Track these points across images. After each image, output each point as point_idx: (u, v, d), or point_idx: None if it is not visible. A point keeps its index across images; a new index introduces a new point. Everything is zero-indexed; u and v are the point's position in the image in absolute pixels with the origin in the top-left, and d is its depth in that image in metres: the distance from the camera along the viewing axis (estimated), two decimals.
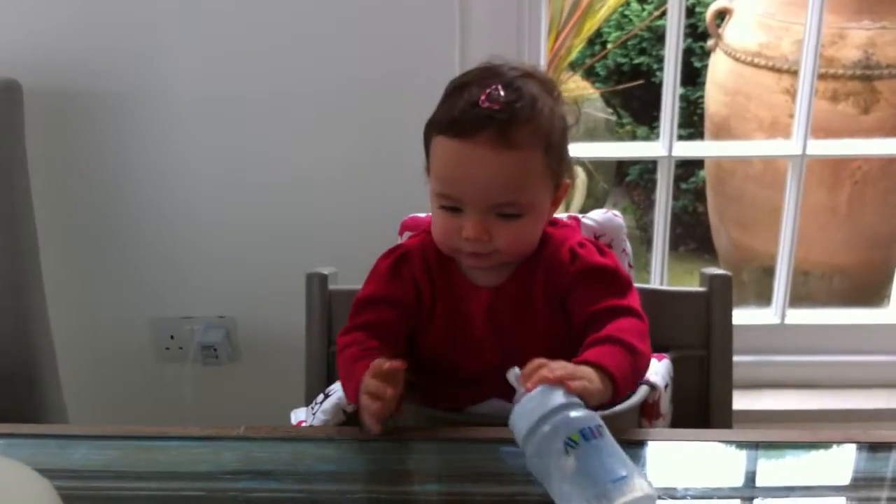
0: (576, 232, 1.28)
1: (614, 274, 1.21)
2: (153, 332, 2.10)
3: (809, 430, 1.10)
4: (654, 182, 2.02)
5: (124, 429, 1.15)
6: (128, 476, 1.05)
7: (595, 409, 1.03)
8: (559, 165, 1.18)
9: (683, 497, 0.98)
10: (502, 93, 1.11)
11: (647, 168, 3.82)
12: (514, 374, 1.01)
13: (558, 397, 0.96)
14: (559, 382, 0.99)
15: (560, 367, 1.02)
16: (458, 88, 1.17)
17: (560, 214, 1.35)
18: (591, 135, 3.30)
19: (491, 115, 1.10)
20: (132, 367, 2.13)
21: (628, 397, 1.17)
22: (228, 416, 1.16)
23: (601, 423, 0.95)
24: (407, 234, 1.35)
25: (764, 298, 2.18)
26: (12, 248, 1.68)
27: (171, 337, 2.10)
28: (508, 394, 1.22)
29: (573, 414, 0.95)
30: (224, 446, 1.10)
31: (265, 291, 2.03)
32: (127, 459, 1.08)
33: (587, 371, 1.05)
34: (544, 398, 0.96)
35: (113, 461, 1.08)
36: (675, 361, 1.31)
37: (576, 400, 0.97)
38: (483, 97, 1.11)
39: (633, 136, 3.97)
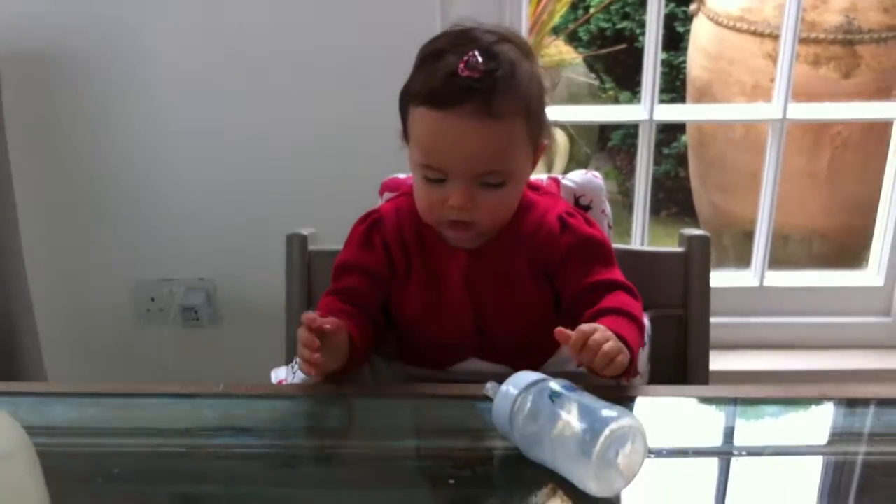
0: (559, 200, 1.29)
1: (602, 246, 1.23)
2: (133, 294, 2.10)
3: (785, 387, 1.11)
4: (636, 147, 2.02)
5: (103, 386, 1.15)
6: (106, 433, 1.05)
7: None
8: (538, 129, 1.18)
9: (660, 454, 0.99)
10: (480, 60, 1.10)
11: (630, 133, 3.82)
12: (490, 387, 1.01)
13: (530, 375, 0.98)
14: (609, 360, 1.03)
15: (602, 338, 1.04)
16: (432, 56, 1.15)
17: (540, 176, 1.36)
18: (574, 99, 3.29)
19: (472, 85, 1.09)
20: (112, 329, 2.13)
21: None
22: (209, 377, 1.16)
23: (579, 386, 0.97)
24: (387, 195, 1.35)
25: (744, 262, 2.19)
26: None
27: (152, 299, 2.09)
28: (487, 354, 1.23)
29: (550, 381, 0.97)
30: (203, 403, 1.10)
31: (245, 254, 2.03)
32: (105, 417, 1.09)
33: (620, 342, 1.06)
34: (517, 380, 0.98)
35: (92, 418, 1.08)
36: (652, 320, 1.32)
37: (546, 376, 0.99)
38: (462, 66, 1.10)
39: (616, 101, 3.96)
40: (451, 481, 0.95)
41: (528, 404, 0.95)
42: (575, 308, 1.18)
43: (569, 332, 1.04)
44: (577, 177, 1.36)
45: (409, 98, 1.16)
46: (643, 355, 1.27)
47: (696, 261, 1.34)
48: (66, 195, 2.02)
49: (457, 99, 1.10)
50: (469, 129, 1.11)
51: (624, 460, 0.89)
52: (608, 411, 0.91)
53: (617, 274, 1.22)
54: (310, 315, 1.08)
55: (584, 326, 1.06)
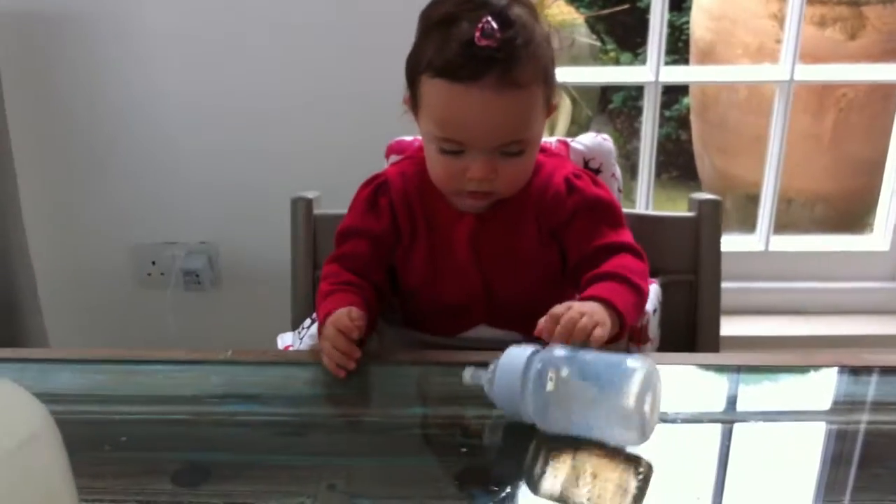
0: (566, 161, 1.26)
1: (610, 206, 1.20)
2: (134, 257, 2.08)
3: (801, 354, 1.10)
4: (637, 110, 2.01)
5: (108, 352, 1.14)
6: (112, 400, 1.04)
7: None
8: (553, 93, 1.16)
9: (674, 421, 0.98)
10: (496, 26, 1.05)
11: (631, 95, 3.79)
12: (469, 372, 0.99)
13: (524, 348, 0.96)
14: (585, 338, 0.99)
15: (577, 315, 1.00)
16: (442, 22, 1.10)
17: (549, 139, 1.33)
18: (576, 61, 3.25)
19: (492, 55, 1.05)
20: (113, 292, 2.11)
21: None
22: (211, 342, 1.15)
23: None
24: (393, 158, 1.33)
25: (747, 226, 2.18)
26: None
27: (153, 263, 2.08)
28: (496, 320, 1.22)
29: (547, 349, 0.96)
30: (210, 370, 1.09)
31: (248, 217, 2.02)
32: (111, 383, 1.07)
33: (600, 313, 1.03)
34: (519, 350, 0.96)
35: (97, 385, 1.07)
36: (663, 286, 1.31)
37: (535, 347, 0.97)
38: (477, 34, 1.05)
39: (617, 63, 3.92)
40: (463, 449, 0.95)
41: (539, 374, 0.93)
42: (578, 270, 1.16)
43: (541, 324, 1.02)
44: (586, 140, 1.34)
45: (421, 68, 1.12)
46: (654, 322, 1.26)
47: (708, 225, 1.32)
48: (67, 158, 1.99)
49: (476, 71, 1.06)
50: (490, 102, 1.07)
51: (649, 406, 0.90)
52: (626, 359, 0.92)
53: (624, 236, 1.19)
54: (348, 325, 1.06)
55: (554, 309, 1.02)
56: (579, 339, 0.99)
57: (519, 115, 1.10)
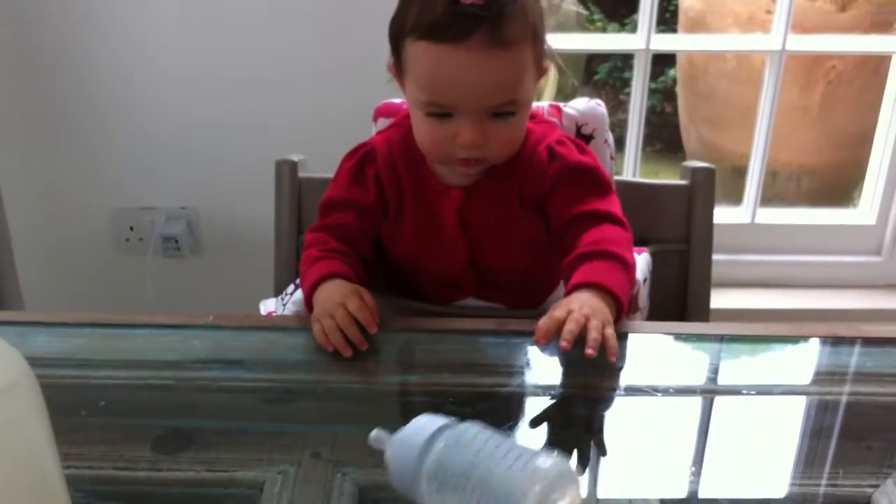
0: (554, 129, 1.22)
1: (594, 173, 1.17)
2: (112, 222, 2.04)
3: (794, 325, 1.08)
4: (622, 81, 1.98)
5: (88, 316, 1.11)
6: (92, 364, 1.01)
7: None
8: (542, 52, 1.12)
9: (666, 392, 0.96)
10: None
11: (617, 66, 3.76)
12: (374, 434, 0.83)
13: (430, 423, 0.79)
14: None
15: (582, 317, 0.96)
16: None
17: (541, 104, 1.31)
18: (562, 29, 3.22)
19: (477, 13, 1.02)
20: (91, 258, 2.08)
21: None
22: (191, 309, 1.12)
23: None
24: (381, 122, 1.30)
25: (733, 198, 2.17)
26: None
27: (131, 228, 2.04)
28: (484, 292, 1.19)
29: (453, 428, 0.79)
30: (192, 335, 1.06)
31: (228, 183, 1.98)
32: (91, 347, 1.05)
33: (601, 308, 1.00)
34: (415, 431, 0.80)
35: (76, 349, 1.04)
36: (654, 255, 1.30)
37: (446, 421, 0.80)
38: None
39: (604, 33, 3.89)
40: (452, 418, 0.92)
41: (438, 463, 0.76)
42: (562, 240, 1.13)
43: (542, 327, 0.97)
44: (579, 105, 1.30)
45: (404, 31, 1.08)
46: (644, 291, 1.24)
47: (701, 194, 1.31)
48: (44, 121, 1.95)
49: (463, 31, 1.03)
50: (479, 62, 1.04)
51: None
52: (534, 462, 0.73)
53: (609, 204, 1.15)
54: (368, 319, 1.03)
55: (556, 313, 0.98)
56: (595, 346, 0.95)
57: (509, 75, 1.06)
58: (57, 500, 0.60)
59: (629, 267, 1.10)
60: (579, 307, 0.98)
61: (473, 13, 1.02)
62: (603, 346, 0.95)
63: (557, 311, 0.98)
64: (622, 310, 1.05)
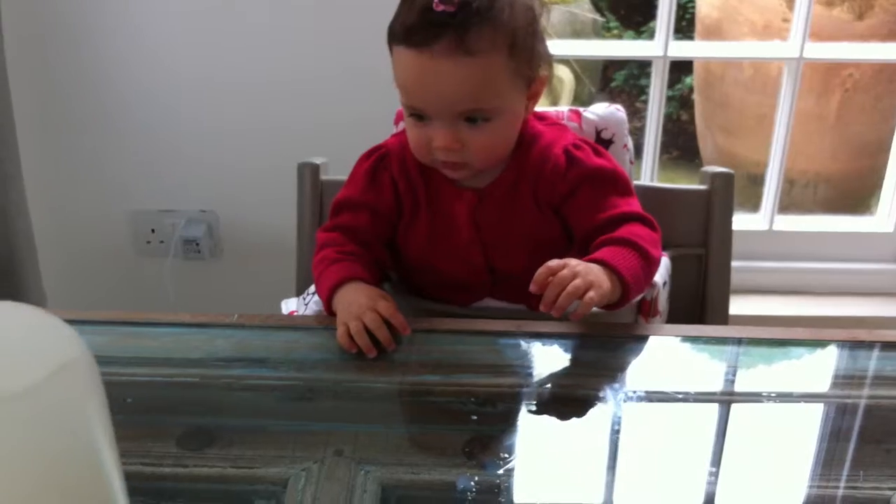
0: (566, 131, 1.23)
1: (615, 176, 1.17)
2: (133, 225, 2.06)
3: (813, 329, 1.08)
4: (638, 88, 1.99)
5: (113, 314, 1.12)
6: (118, 362, 1.03)
7: (603, 308, 1.03)
8: (529, 63, 1.11)
9: (686, 395, 0.97)
10: None
11: (633, 74, 3.76)
12: None
13: None
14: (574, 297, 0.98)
15: (570, 275, 1.00)
16: None
17: (561, 109, 1.32)
18: (579, 36, 3.22)
19: (445, 21, 1.03)
20: (112, 260, 2.09)
21: None
22: (211, 311, 1.14)
23: None
24: (402, 125, 1.31)
25: (749, 206, 2.17)
26: None
27: (152, 231, 2.06)
28: (500, 293, 1.20)
29: None
30: (217, 334, 1.08)
31: (248, 186, 2.00)
32: (117, 345, 1.06)
33: (598, 275, 1.02)
34: None
35: (103, 347, 1.05)
36: (672, 260, 1.30)
37: None
38: (436, 0, 1.04)
39: (620, 40, 3.90)
40: (473, 417, 0.93)
41: None
42: (588, 242, 1.14)
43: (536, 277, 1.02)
44: (599, 110, 1.31)
45: (391, 37, 1.11)
46: (663, 294, 1.25)
47: (720, 199, 1.31)
48: (68, 123, 1.97)
49: (430, 36, 1.04)
50: (442, 68, 1.05)
51: None
52: None
53: (633, 205, 1.16)
54: (402, 322, 1.05)
55: (551, 262, 1.01)
56: (568, 301, 0.99)
57: (474, 83, 1.06)
58: (110, 478, 0.60)
59: (650, 260, 1.11)
60: (573, 266, 1.01)
61: (442, 20, 1.04)
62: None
63: (553, 262, 1.02)
64: (627, 294, 1.06)
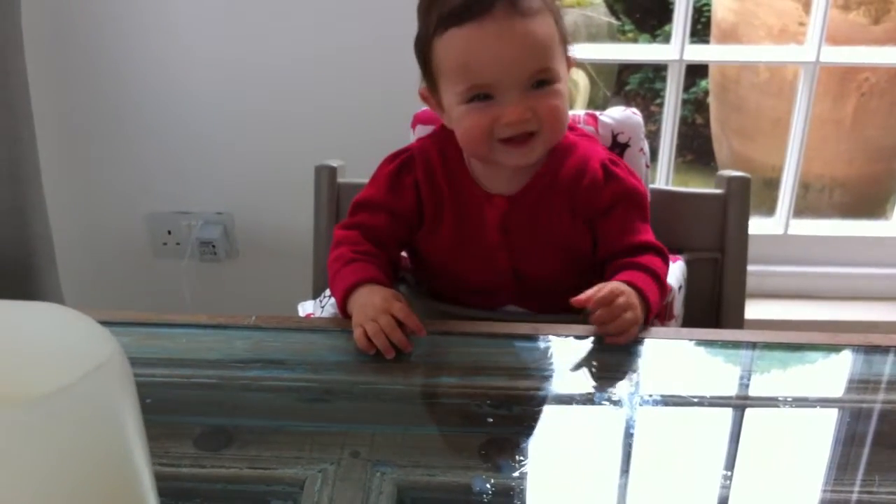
0: (597, 143, 1.24)
1: (643, 201, 1.20)
2: (150, 227, 2.07)
3: (828, 333, 1.08)
4: (654, 92, 1.99)
5: (132, 315, 1.13)
6: (136, 362, 1.02)
7: None
8: (564, 38, 1.13)
9: (701, 399, 0.97)
10: None
11: (648, 77, 3.76)
12: None
13: None
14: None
15: (625, 305, 1.06)
16: None
17: (577, 112, 1.32)
18: (594, 40, 3.23)
19: None
20: (128, 262, 2.11)
21: None
22: (227, 312, 1.14)
23: None
24: (420, 129, 1.31)
25: (764, 210, 2.17)
26: (11, 136, 1.63)
27: (168, 232, 2.07)
28: (524, 300, 1.20)
29: None
30: (234, 335, 1.08)
31: (264, 188, 2.00)
32: (135, 346, 1.07)
33: (638, 312, 1.07)
34: None
35: (122, 347, 1.05)
36: (688, 263, 1.30)
37: None
38: None
39: (635, 44, 3.90)
40: (489, 420, 0.94)
41: None
42: (609, 263, 1.17)
43: (586, 296, 1.06)
44: (615, 113, 1.31)
45: (429, 35, 1.10)
46: (679, 299, 1.25)
47: (736, 203, 1.31)
48: (85, 125, 1.98)
49: (485, 7, 1.05)
50: (505, 31, 1.06)
51: None
52: None
53: (650, 233, 1.19)
54: (418, 325, 1.06)
55: (613, 286, 1.06)
56: (617, 329, 1.05)
57: (538, 41, 1.07)
58: (143, 477, 0.61)
59: (665, 293, 1.16)
60: (630, 293, 1.07)
61: None
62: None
63: (615, 285, 1.07)
64: (648, 317, 1.10)
